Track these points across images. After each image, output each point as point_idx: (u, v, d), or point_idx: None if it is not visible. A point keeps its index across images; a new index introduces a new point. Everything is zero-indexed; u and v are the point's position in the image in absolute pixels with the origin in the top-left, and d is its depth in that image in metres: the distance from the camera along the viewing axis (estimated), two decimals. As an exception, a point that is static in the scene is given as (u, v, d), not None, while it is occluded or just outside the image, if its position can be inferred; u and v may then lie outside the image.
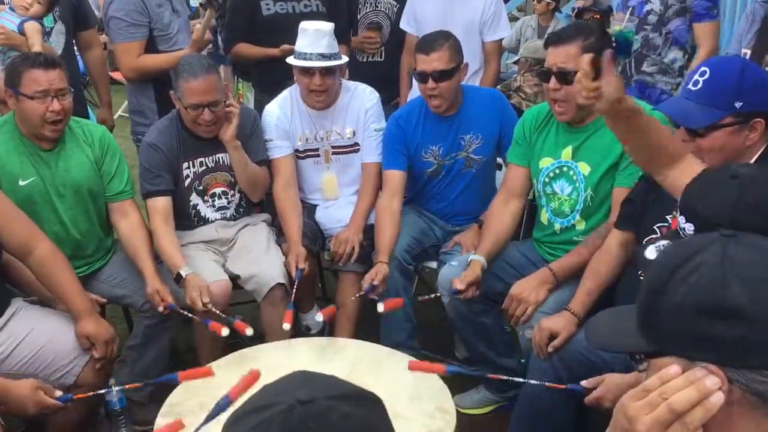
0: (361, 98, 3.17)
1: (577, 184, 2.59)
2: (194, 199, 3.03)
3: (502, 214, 2.77)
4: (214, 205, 3.07)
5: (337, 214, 3.19)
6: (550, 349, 2.30)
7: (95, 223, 2.81)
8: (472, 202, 3.11)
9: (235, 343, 2.71)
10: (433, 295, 2.74)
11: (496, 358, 2.81)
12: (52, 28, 3.33)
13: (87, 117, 3.41)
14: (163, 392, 2.23)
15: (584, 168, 2.57)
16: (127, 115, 3.86)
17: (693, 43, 3.38)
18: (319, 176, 3.25)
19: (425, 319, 3.29)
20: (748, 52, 2.92)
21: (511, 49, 5.48)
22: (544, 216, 2.72)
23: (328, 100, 3.09)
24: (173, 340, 2.94)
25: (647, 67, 3.31)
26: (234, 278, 2.90)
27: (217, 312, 2.60)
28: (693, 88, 1.97)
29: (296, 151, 3.17)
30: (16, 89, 2.54)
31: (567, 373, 2.27)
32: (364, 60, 3.97)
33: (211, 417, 1.94)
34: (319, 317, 2.66)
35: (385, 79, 3.76)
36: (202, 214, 3.07)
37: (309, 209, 3.22)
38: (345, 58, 3.10)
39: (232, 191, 3.08)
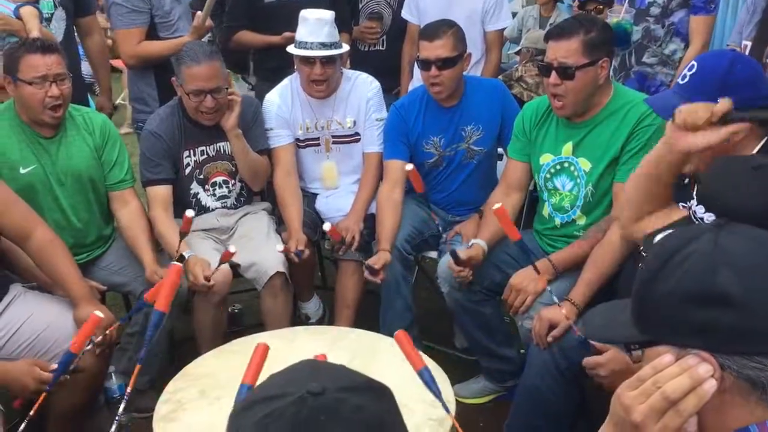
0: (361, 88, 3.16)
1: (578, 180, 2.58)
2: (195, 187, 3.03)
3: (503, 205, 2.77)
4: (214, 194, 3.07)
5: (338, 203, 3.19)
6: (549, 339, 2.31)
7: (95, 211, 2.81)
8: (472, 193, 3.11)
9: (236, 331, 2.72)
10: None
11: (496, 347, 2.81)
12: (52, 14, 3.30)
13: (87, 104, 3.39)
14: (163, 379, 2.23)
15: (585, 164, 2.56)
16: (126, 103, 3.85)
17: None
18: (319, 165, 3.25)
19: (425, 309, 3.30)
20: (749, 44, 2.90)
21: (513, 39, 5.45)
22: (546, 210, 2.71)
23: (328, 90, 3.08)
24: (172, 328, 2.94)
25: (648, 58, 3.30)
26: (234, 266, 2.89)
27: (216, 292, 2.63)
28: (681, 82, 1.98)
29: (297, 140, 3.17)
30: (14, 75, 2.53)
31: (566, 363, 2.28)
32: (366, 49, 3.96)
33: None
34: (327, 226, 2.82)
35: (386, 68, 3.76)
36: (203, 202, 3.06)
37: (309, 198, 3.22)
38: (346, 47, 3.09)
39: (232, 180, 3.07)
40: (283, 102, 3.12)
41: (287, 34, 3.34)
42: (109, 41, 4.54)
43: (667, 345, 0.96)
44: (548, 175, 2.66)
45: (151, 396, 2.74)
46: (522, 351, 2.71)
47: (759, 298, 0.91)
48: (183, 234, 2.64)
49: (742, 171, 1.56)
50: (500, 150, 3.14)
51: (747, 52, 2.80)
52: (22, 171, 2.59)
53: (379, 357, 2.27)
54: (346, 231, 2.98)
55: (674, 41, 3.27)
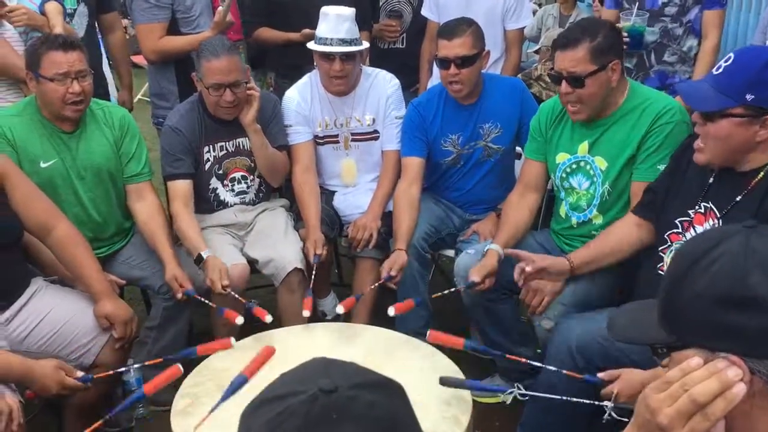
0: (381, 85, 3.16)
1: (595, 179, 2.56)
2: (214, 182, 3.04)
3: (520, 207, 2.75)
4: (233, 190, 3.08)
5: (356, 200, 3.19)
6: (540, 309, 2.40)
7: (115, 204, 2.83)
8: (490, 191, 3.10)
9: (253, 326, 2.73)
10: (447, 291, 2.68)
11: (512, 346, 2.80)
12: (75, 10, 3.33)
13: (108, 99, 3.42)
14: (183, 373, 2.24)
15: (601, 162, 2.54)
16: (147, 99, 3.88)
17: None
18: (338, 162, 3.25)
19: (441, 308, 3.29)
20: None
21: (532, 38, 5.42)
22: (563, 209, 2.70)
23: (347, 86, 3.08)
24: (191, 322, 2.96)
25: (668, 57, 3.28)
26: (252, 262, 2.91)
27: (236, 295, 2.61)
28: (714, 72, 1.96)
29: (315, 136, 3.17)
30: (36, 72, 2.55)
31: (585, 363, 2.26)
32: (385, 46, 3.96)
33: (226, 396, 1.94)
34: (340, 309, 2.60)
35: (406, 65, 3.76)
36: (222, 198, 3.08)
37: (327, 195, 3.23)
38: (366, 44, 3.09)
39: (251, 176, 3.09)
40: (303, 99, 3.12)
41: (306, 31, 3.35)
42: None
43: (696, 348, 0.94)
44: (564, 174, 2.65)
45: (168, 390, 2.77)
46: (538, 351, 2.70)
47: None
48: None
49: None
50: (519, 149, 3.13)
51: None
52: (42, 165, 2.62)
53: (395, 354, 2.28)
54: (364, 228, 2.98)
55: (690, 38, 3.26)
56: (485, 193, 3.10)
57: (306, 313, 2.55)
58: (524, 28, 3.84)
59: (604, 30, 2.42)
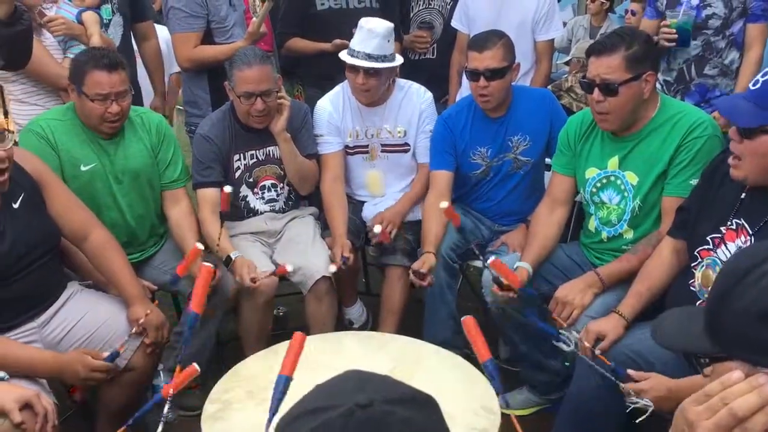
0: (414, 98, 3.17)
1: (626, 194, 2.54)
2: (244, 190, 3.08)
3: (549, 223, 2.74)
4: (263, 197, 3.11)
5: (385, 210, 3.20)
6: (597, 351, 2.28)
7: (151, 208, 2.88)
8: (519, 203, 3.10)
9: (281, 333, 2.75)
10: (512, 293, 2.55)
11: (542, 358, 2.79)
12: (110, 20, 3.39)
13: (142, 104, 3.48)
14: (211, 379, 2.27)
15: (632, 177, 2.52)
16: (180, 107, 3.93)
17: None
18: (364, 173, 3.27)
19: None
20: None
21: (562, 49, 5.42)
22: (592, 224, 2.68)
23: (371, 99, 3.09)
24: (219, 329, 2.99)
25: (709, 70, 3.25)
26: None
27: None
28: (752, 87, 1.92)
29: (346, 147, 3.19)
30: (79, 87, 2.60)
31: (613, 376, 2.25)
32: (416, 58, 3.97)
33: (279, 398, 1.75)
34: (332, 268, 2.83)
35: (436, 76, 3.77)
36: (252, 205, 3.11)
37: (355, 205, 3.24)
38: (398, 61, 3.07)
39: (281, 184, 3.12)
40: (335, 109, 3.15)
41: (337, 41, 3.38)
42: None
43: (738, 361, 0.95)
44: (594, 189, 2.63)
45: (196, 394, 2.80)
46: (567, 364, 2.68)
47: None
48: (223, 216, 2.78)
49: None
50: (548, 160, 3.12)
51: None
52: (83, 168, 2.67)
53: (423, 364, 2.28)
54: (386, 221, 3.01)
55: (732, 51, 3.23)
56: (515, 204, 3.10)
57: (332, 268, 2.83)
58: (554, 39, 3.84)
59: (640, 39, 2.41)
